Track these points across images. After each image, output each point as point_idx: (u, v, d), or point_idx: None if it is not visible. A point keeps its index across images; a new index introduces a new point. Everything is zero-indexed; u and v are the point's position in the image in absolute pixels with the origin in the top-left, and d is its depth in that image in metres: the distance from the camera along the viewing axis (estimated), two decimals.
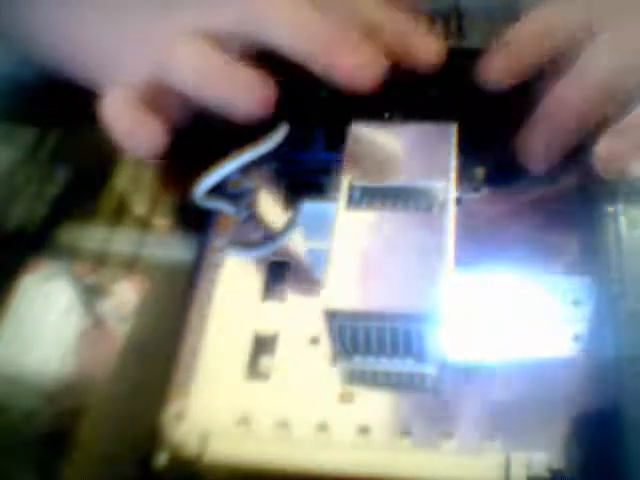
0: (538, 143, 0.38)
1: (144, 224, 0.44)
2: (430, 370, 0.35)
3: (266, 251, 0.41)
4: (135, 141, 0.40)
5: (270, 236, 0.41)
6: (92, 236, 0.43)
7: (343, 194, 0.36)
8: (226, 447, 0.35)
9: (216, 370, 0.37)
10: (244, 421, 0.35)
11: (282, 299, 0.39)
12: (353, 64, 0.37)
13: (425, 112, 0.39)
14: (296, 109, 0.40)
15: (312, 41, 0.37)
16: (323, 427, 0.35)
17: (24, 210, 0.44)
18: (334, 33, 0.37)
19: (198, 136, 0.42)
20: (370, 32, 0.38)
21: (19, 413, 0.36)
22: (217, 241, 0.42)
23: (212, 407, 0.36)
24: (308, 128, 0.41)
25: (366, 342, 0.33)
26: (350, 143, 0.38)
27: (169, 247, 0.43)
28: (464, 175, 0.38)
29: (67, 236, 0.43)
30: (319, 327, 0.34)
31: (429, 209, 0.35)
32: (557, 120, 0.38)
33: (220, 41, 0.39)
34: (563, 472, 0.32)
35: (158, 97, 0.40)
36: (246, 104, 0.38)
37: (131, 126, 0.40)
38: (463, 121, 0.38)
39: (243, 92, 0.38)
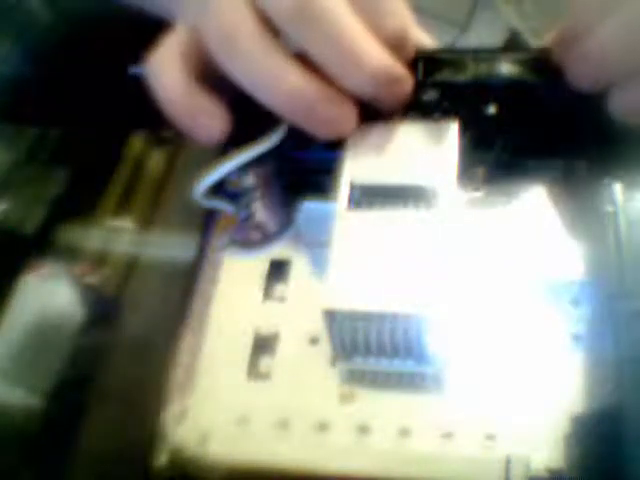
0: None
1: (144, 224, 0.44)
2: (430, 370, 0.35)
3: (266, 251, 0.41)
4: (197, 130, 0.38)
5: (270, 236, 0.41)
6: (92, 236, 0.43)
7: (343, 193, 0.36)
8: (226, 447, 0.35)
9: (216, 370, 0.37)
10: (244, 421, 0.35)
11: (282, 299, 0.39)
12: (329, 121, 0.36)
13: (425, 112, 0.38)
14: None
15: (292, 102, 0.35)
16: (323, 427, 0.35)
17: (24, 210, 0.44)
18: (313, 92, 0.35)
19: None
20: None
21: (19, 412, 0.36)
22: (217, 241, 0.42)
23: (212, 407, 0.36)
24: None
25: (366, 342, 0.33)
26: (351, 142, 0.38)
27: (169, 247, 0.43)
28: (464, 175, 0.38)
29: (67, 236, 0.43)
30: (319, 327, 0.34)
31: (429, 209, 0.35)
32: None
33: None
34: (563, 472, 0.32)
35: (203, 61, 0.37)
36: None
37: (192, 113, 0.37)
38: (465, 120, 0.38)
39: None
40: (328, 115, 0.36)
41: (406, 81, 0.37)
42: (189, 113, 0.37)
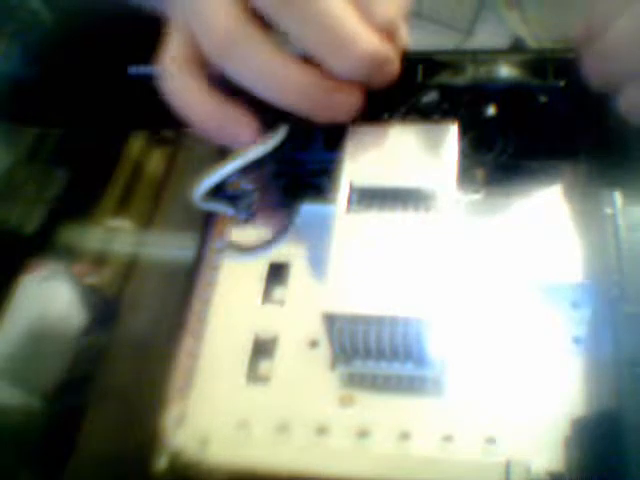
0: None
1: (144, 224, 0.44)
2: (430, 373, 0.34)
3: (265, 253, 0.40)
4: (227, 139, 0.38)
5: (269, 238, 0.41)
6: (92, 236, 0.43)
7: (342, 196, 0.36)
8: (226, 451, 0.35)
9: (215, 373, 0.37)
10: (244, 425, 0.35)
11: (281, 302, 0.39)
12: (333, 111, 0.36)
13: (424, 114, 0.38)
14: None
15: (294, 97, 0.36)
16: (323, 431, 0.35)
17: (24, 210, 0.44)
18: (310, 87, 0.35)
19: None
20: None
21: (19, 413, 0.36)
22: (216, 243, 0.42)
23: (212, 411, 0.36)
24: (308, 128, 0.41)
25: (365, 345, 0.33)
26: (350, 144, 0.37)
27: (169, 247, 0.43)
28: (464, 176, 0.38)
29: (67, 236, 0.43)
30: (318, 330, 0.34)
31: (429, 210, 0.34)
32: None
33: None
34: (563, 475, 0.32)
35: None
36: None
37: (220, 124, 0.37)
38: (464, 122, 0.37)
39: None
40: (333, 102, 0.36)
41: (394, 62, 0.36)
42: (217, 124, 0.37)
